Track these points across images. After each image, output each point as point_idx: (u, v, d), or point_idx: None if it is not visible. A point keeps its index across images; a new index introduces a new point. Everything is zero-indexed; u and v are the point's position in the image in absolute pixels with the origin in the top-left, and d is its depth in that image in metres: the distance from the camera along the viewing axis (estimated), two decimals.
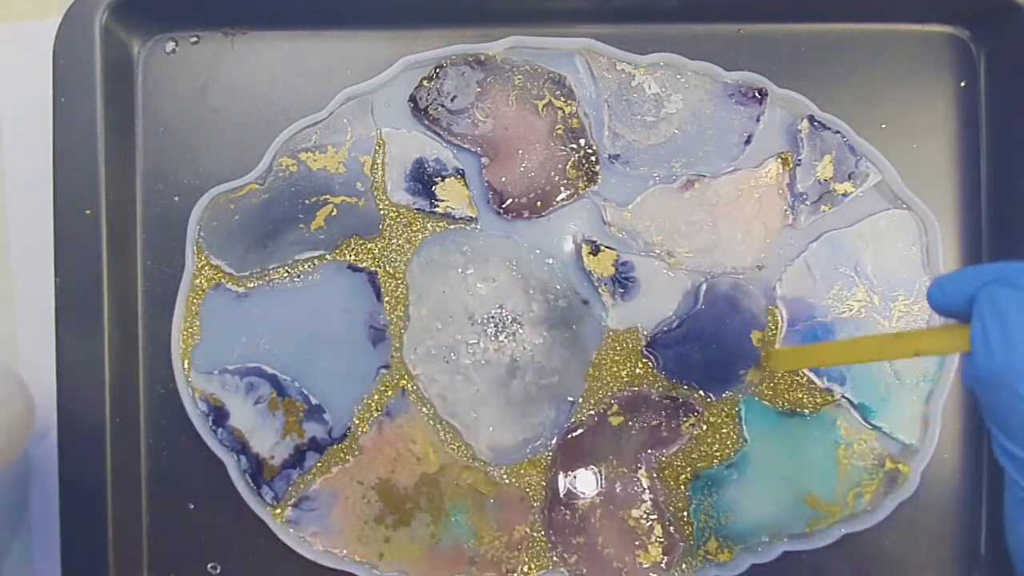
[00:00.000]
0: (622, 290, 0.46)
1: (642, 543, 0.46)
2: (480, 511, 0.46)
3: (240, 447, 0.46)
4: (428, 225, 0.47)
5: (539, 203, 0.46)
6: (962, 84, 0.48)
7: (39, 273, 0.47)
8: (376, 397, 0.46)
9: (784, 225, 0.47)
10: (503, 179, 0.46)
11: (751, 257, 0.47)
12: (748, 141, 0.47)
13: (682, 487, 0.46)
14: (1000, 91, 0.48)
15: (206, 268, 0.46)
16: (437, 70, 0.46)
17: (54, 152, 0.44)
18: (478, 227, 0.47)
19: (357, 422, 0.46)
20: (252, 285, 0.46)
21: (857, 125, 0.47)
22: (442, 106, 0.46)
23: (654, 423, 0.46)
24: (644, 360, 0.47)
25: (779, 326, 0.47)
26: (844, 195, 0.47)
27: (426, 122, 0.47)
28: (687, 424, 0.46)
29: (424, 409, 0.46)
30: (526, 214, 0.46)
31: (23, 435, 0.45)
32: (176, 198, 0.47)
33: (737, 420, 0.46)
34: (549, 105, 0.47)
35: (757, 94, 0.47)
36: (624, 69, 0.47)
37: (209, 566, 0.47)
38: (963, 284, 0.33)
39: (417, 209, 0.46)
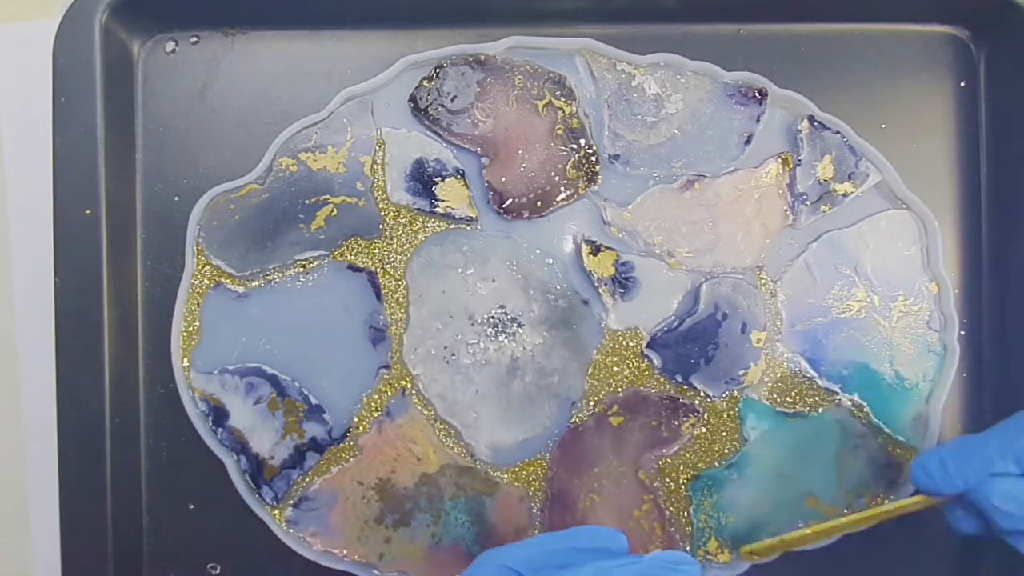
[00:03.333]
0: (622, 290, 0.46)
1: (642, 543, 0.46)
2: (480, 511, 0.46)
3: (240, 447, 0.46)
4: (428, 225, 0.47)
5: (539, 203, 0.46)
6: (962, 84, 0.48)
7: (39, 273, 0.47)
8: (376, 397, 0.46)
9: (784, 225, 0.47)
10: (503, 179, 0.46)
11: (751, 257, 0.47)
12: (748, 141, 0.47)
13: (682, 487, 0.46)
14: (1000, 91, 0.48)
15: (206, 268, 0.46)
16: (437, 70, 0.46)
17: (54, 152, 0.44)
18: (478, 227, 0.47)
19: (357, 422, 0.46)
20: (252, 285, 0.46)
21: (857, 125, 0.47)
22: (442, 106, 0.46)
23: (654, 423, 0.46)
24: (644, 360, 0.47)
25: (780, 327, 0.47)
26: (844, 195, 0.47)
27: (426, 122, 0.47)
28: (687, 424, 0.46)
29: (424, 409, 0.46)
30: (526, 214, 0.46)
31: None
32: (176, 198, 0.47)
33: (737, 420, 0.46)
34: (549, 105, 0.47)
35: (757, 94, 0.47)
36: (624, 69, 0.47)
37: (209, 566, 0.47)
38: (959, 473, 0.38)
39: (417, 209, 0.46)
